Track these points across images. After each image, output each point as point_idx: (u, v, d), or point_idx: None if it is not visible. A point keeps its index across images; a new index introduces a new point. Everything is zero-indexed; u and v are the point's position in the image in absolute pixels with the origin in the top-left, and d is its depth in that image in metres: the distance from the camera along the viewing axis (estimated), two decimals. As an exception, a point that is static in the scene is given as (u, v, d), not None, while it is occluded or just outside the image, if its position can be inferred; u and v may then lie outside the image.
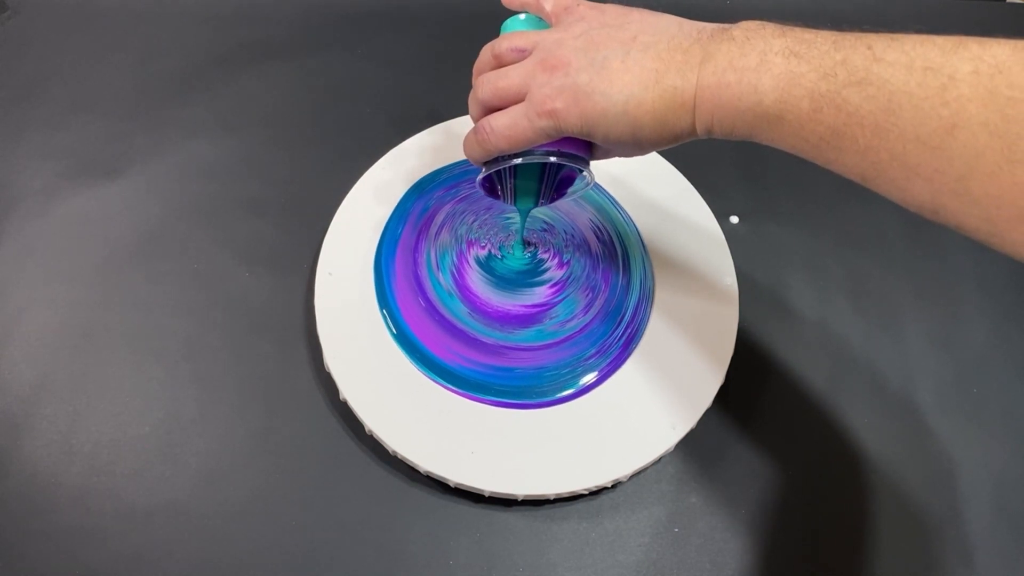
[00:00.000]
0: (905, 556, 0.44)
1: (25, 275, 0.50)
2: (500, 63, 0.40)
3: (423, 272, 0.50)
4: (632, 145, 0.37)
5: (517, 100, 0.39)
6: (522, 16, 0.43)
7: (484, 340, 0.48)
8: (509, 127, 0.38)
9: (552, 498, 0.43)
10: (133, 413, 0.46)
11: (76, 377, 0.47)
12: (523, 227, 0.51)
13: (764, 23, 0.34)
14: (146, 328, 0.49)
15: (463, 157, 0.42)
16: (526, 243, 0.52)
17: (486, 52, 0.41)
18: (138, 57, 0.62)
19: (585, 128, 0.37)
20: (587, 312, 0.49)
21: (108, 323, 0.49)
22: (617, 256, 0.52)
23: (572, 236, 0.53)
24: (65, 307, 0.49)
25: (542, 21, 0.42)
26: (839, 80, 0.29)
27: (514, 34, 0.40)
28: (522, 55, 0.39)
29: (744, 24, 0.34)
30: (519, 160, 0.40)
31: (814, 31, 0.32)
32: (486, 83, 0.39)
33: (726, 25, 0.35)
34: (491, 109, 0.40)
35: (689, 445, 0.46)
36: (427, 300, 0.49)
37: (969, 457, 0.47)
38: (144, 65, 0.62)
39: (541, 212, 0.54)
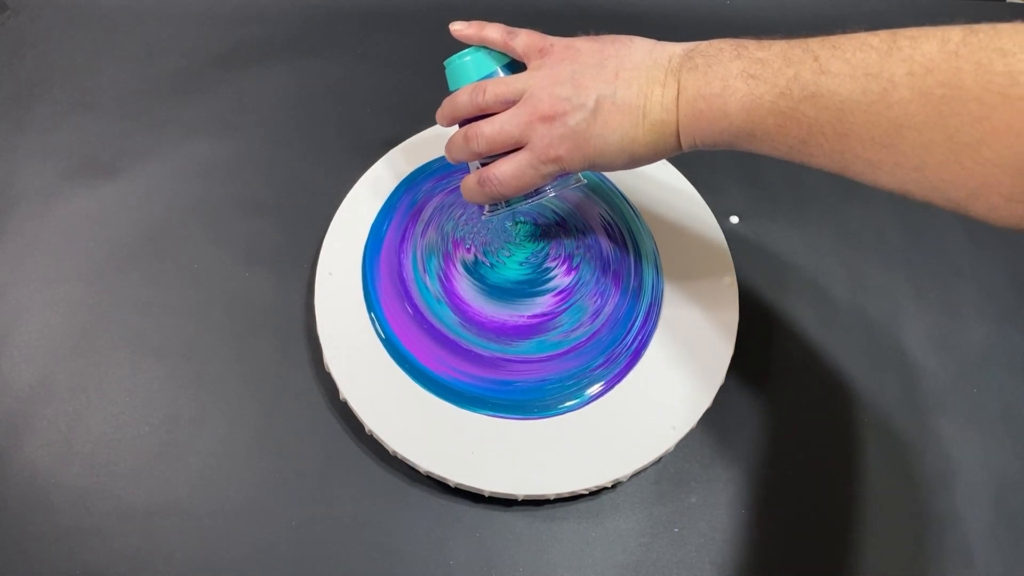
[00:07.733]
0: (905, 556, 0.44)
1: (25, 275, 0.50)
2: (484, 112, 0.42)
3: (408, 274, 0.48)
4: (628, 167, 0.41)
5: (513, 148, 0.41)
6: (468, 57, 0.44)
7: (479, 352, 0.46)
8: (516, 177, 0.41)
9: (552, 498, 0.43)
10: (133, 413, 0.46)
11: (76, 377, 0.47)
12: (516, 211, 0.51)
13: (721, 45, 0.37)
14: (146, 328, 0.49)
15: None
16: (526, 222, 0.51)
17: (464, 99, 0.42)
18: (138, 57, 0.62)
19: (587, 165, 0.40)
20: (595, 319, 0.47)
21: (108, 323, 0.49)
22: (629, 256, 0.50)
23: (584, 235, 0.51)
24: (65, 307, 0.49)
25: (494, 54, 0.44)
26: (794, 97, 0.33)
27: (496, 83, 0.42)
28: (509, 105, 0.41)
29: (703, 48, 0.37)
30: (527, 204, 0.44)
31: (766, 45, 0.35)
32: (479, 137, 0.41)
33: (689, 47, 0.38)
34: (483, 156, 0.42)
35: (689, 445, 0.46)
36: (414, 307, 0.47)
37: (969, 457, 0.48)
38: (144, 65, 0.62)
39: (552, 204, 0.53)
